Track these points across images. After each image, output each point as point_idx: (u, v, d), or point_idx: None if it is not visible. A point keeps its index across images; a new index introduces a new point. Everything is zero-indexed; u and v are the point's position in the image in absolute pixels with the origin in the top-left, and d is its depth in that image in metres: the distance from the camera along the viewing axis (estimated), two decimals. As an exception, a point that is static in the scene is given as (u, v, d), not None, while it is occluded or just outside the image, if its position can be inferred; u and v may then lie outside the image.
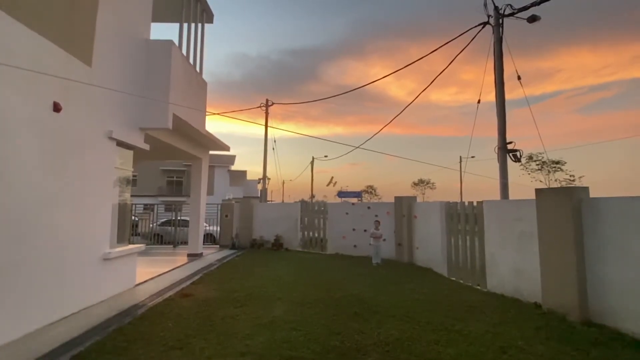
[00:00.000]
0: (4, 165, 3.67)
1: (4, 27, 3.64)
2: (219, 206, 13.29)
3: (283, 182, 50.34)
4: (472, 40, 9.25)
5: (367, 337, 4.00)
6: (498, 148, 8.93)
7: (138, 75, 6.34)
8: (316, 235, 12.19)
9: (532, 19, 8.60)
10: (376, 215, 10.53)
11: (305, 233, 12.52)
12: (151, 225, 14.91)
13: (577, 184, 26.29)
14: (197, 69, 8.57)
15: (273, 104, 21.79)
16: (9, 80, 3.69)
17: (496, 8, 8.98)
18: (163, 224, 15.10)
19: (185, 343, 3.77)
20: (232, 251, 11.70)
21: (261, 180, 23.84)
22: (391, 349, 3.67)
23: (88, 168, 5.07)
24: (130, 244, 6.63)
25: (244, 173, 44.25)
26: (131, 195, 6.72)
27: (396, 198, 10.54)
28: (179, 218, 13.89)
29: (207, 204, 11.56)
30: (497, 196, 8.88)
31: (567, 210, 4.82)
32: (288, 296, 5.78)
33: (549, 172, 28.75)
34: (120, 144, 5.88)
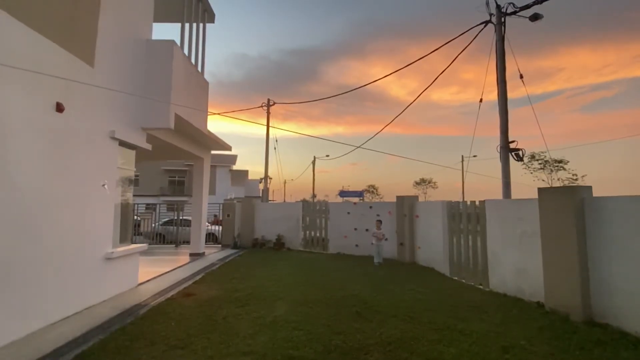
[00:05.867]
0: (7, 165, 3.68)
1: (6, 27, 3.65)
2: (221, 206, 13.31)
3: (284, 182, 50.40)
4: (474, 38, 9.23)
5: (369, 336, 4.00)
6: (500, 147, 8.90)
7: (140, 75, 6.35)
8: (318, 234, 12.18)
9: (535, 17, 8.58)
10: (378, 215, 10.52)
11: (307, 233, 12.51)
12: (153, 225, 14.95)
13: (579, 183, 26.18)
14: (199, 68, 8.57)
15: (274, 103, 21.82)
16: (12, 80, 3.70)
17: (498, 6, 8.95)
18: (165, 223, 15.14)
19: (187, 342, 3.78)
20: (234, 251, 11.72)
21: (262, 180, 23.86)
22: (393, 349, 3.67)
23: (90, 168, 5.09)
24: (132, 243, 6.64)
25: (245, 173, 44.29)
26: (133, 195, 6.73)
27: (398, 197, 10.51)
28: (180, 218, 13.92)
29: (208, 203, 11.58)
30: (499, 195, 8.86)
31: (569, 210, 4.80)
32: (290, 296, 5.78)
33: (551, 171, 28.64)
34: (123, 143, 5.89)
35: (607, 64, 58.77)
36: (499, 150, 8.94)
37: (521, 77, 9.47)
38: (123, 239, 6.13)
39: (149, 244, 10.84)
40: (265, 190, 22.75)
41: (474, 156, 31.55)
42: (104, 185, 5.37)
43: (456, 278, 7.45)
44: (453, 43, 9.67)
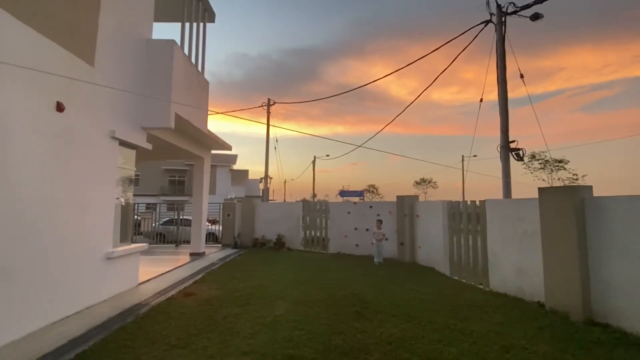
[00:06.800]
0: (7, 165, 3.68)
1: (7, 26, 3.65)
2: (221, 205, 13.31)
3: (285, 182, 50.39)
4: (474, 38, 9.23)
5: (369, 336, 4.00)
6: (500, 147, 8.91)
7: (140, 75, 6.36)
8: (318, 234, 12.18)
9: (535, 17, 8.57)
10: (378, 215, 10.52)
11: (307, 232, 12.51)
12: (153, 225, 14.95)
13: (580, 182, 26.17)
14: (199, 68, 8.57)
15: (275, 103, 21.83)
16: (12, 80, 3.70)
17: (499, 6, 8.94)
18: (165, 223, 15.14)
19: (188, 342, 3.78)
20: (234, 250, 11.72)
21: (263, 180, 23.87)
22: (393, 348, 3.67)
23: (91, 167, 5.09)
24: (132, 243, 6.65)
25: (245, 172, 44.29)
26: (134, 195, 6.73)
27: (398, 197, 10.51)
28: (181, 217, 13.93)
29: (209, 203, 11.58)
30: (499, 195, 8.86)
31: (570, 209, 4.80)
32: (290, 295, 5.78)
33: (551, 171, 28.63)
34: (123, 143, 5.89)
35: (607, 64, 58.76)
36: (499, 150, 8.94)
37: (521, 76, 9.47)
38: (123, 239, 6.14)
39: (149, 244, 10.84)
40: (266, 190, 22.76)
41: (474, 156, 31.51)
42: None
43: (456, 278, 7.45)
44: (453, 43, 9.68)
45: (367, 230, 10.80)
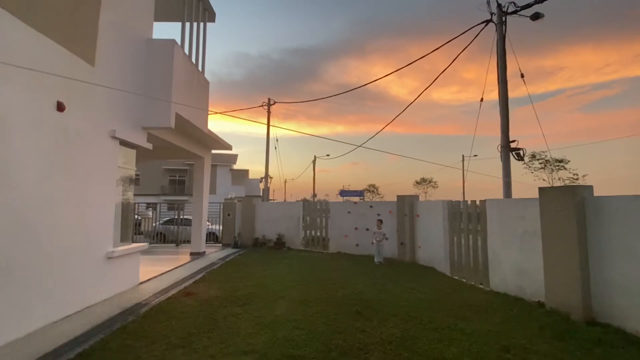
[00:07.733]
0: (8, 164, 3.69)
1: (8, 27, 3.65)
2: (221, 205, 13.31)
3: (285, 181, 50.40)
4: (474, 38, 9.22)
5: (370, 335, 4.01)
6: (501, 146, 8.90)
7: (140, 75, 6.36)
8: (318, 234, 12.18)
9: (536, 16, 8.57)
10: (378, 214, 10.51)
11: (307, 232, 12.51)
12: (154, 224, 14.95)
13: (580, 182, 26.16)
14: (199, 67, 8.58)
15: (275, 102, 21.83)
16: (13, 79, 3.71)
17: (499, 6, 8.94)
18: (166, 222, 15.15)
19: (188, 341, 3.79)
20: (235, 250, 11.73)
21: (263, 179, 23.89)
22: (393, 348, 3.67)
23: (91, 167, 5.09)
24: (133, 242, 6.65)
25: (246, 172, 44.30)
26: (134, 194, 6.74)
27: (398, 197, 10.51)
28: (181, 217, 13.93)
29: (209, 202, 11.59)
30: (499, 195, 8.86)
31: (570, 209, 4.80)
32: (290, 295, 5.79)
33: (552, 170, 28.64)
34: (123, 143, 5.90)
35: (608, 63, 58.62)
36: (499, 150, 8.94)
37: (522, 76, 9.45)
38: (124, 238, 6.14)
39: (150, 243, 10.85)
40: (266, 190, 22.77)
41: (475, 155, 31.42)
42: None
43: (457, 277, 7.45)
44: (454, 42, 9.68)
45: (367, 229, 10.80)
